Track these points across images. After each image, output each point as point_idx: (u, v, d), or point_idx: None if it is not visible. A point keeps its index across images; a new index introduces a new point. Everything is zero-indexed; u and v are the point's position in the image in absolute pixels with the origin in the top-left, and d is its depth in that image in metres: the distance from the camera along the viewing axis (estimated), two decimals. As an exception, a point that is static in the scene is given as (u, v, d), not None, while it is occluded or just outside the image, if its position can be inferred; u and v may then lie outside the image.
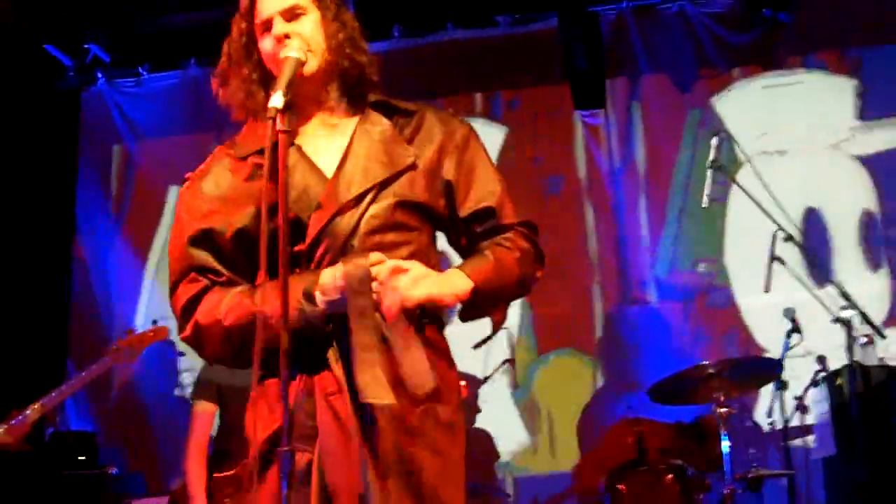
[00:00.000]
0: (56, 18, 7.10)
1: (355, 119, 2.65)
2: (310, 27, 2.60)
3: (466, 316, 2.62)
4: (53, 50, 7.78)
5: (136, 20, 7.35)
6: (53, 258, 7.78)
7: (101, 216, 8.00)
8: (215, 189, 2.61)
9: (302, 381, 2.47)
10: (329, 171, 2.54)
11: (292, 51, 2.50)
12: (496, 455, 6.78)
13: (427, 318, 2.54)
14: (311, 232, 2.47)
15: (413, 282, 2.39)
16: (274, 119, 2.31)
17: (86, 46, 7.87)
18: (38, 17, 7.01)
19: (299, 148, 2.57)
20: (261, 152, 2.46)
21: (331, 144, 2.60)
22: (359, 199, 2.50)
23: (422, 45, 7.33)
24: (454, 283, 2.50)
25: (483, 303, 2.57)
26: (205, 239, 2.56)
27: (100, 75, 8.01)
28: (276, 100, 2.33)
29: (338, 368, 2.43)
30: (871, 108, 6.93)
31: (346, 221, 2.48)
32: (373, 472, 2.37)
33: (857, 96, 6.97)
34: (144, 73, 7.96)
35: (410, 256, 2.51)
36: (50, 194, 7.77)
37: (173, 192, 7.53)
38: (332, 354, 2.45)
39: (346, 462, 2.39)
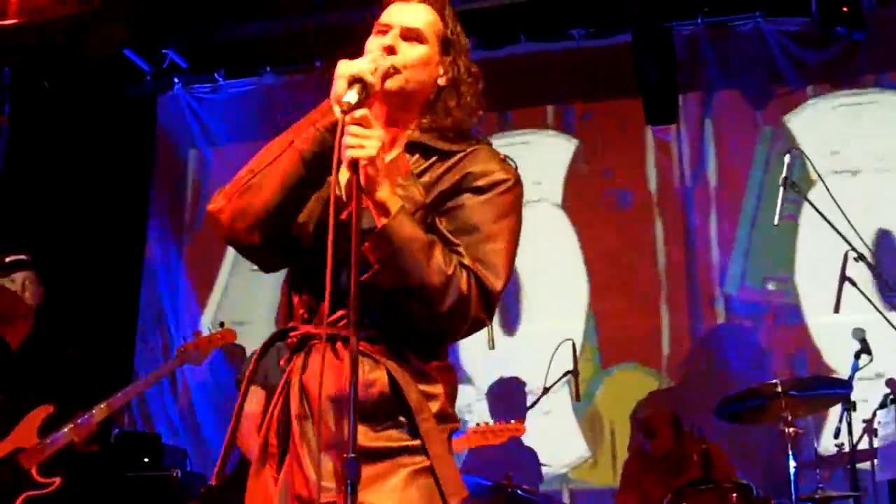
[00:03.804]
0: (134, 24, 7.22)
1: (396, 151, 2.56)
2: (416, 55, 2.54)
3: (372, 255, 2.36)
4: (132, 55, 7.93)
5: (214, 27, 7.46)
6: (126, 260, 7.94)
7: (174, 219, 8.14)
8: None
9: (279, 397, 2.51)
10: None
11: (384, 59, 2.46)
12: (553, 466, 6.80)
13: (415, 348, 2.46)
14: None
15: (365, 141, 2.28)
16: (344, 112, 2.28)
17: (163, 52, 8.02)
18: (117, 22, 7.14)
19: None
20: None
21: None
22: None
23: (496, 58, 7.37)
24: (388, 190, 2.34)
25: (381, 252, 2.32)
26: None
27: (176, 80, 8.16)
28: (351, 95, 2.30)
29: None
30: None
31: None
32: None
33: (930, 117, 6.89)
34: (220, 79, 8.10)
35: None
36: (125, 197, 7.92)
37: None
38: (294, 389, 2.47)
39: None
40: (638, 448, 6.42)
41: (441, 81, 2.60)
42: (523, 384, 6.93)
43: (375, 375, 2.39)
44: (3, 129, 7.72)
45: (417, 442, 2.39)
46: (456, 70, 2.61)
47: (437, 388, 2.48)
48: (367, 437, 2.29)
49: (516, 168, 2.59)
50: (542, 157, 7.49)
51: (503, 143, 7.12)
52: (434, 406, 2.44)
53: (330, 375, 2.35)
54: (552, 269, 7.25)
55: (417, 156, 2.54)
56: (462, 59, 2.64)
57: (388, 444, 2.38)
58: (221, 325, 5.74)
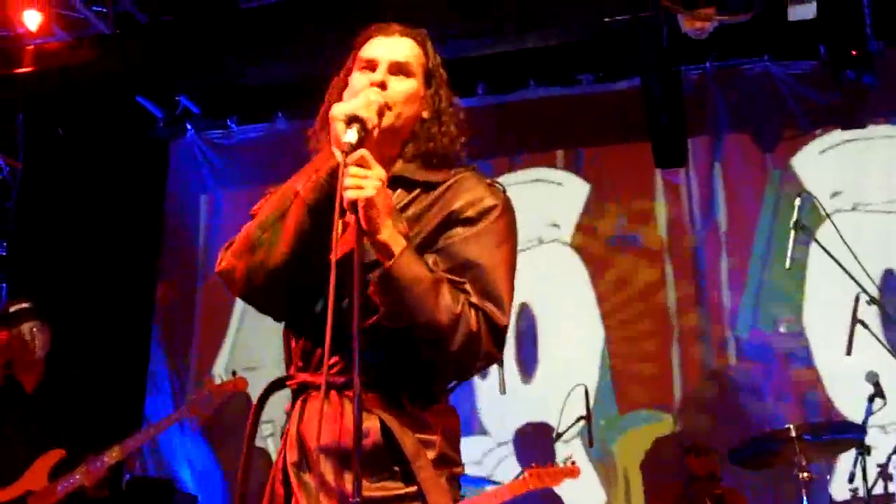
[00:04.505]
0: (148, 71, 7.29)
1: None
2: (405, 90, 2.53)
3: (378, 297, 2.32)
4: (145, 101, 8.00)
5: (227, 74, 7.52)
6: (138, 305, 7.94)
7: (186, 264, 8.16)
8: None
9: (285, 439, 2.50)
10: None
11: (377, 96, 2.43)
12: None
13: (411, 394, 2.44)
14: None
15: (364, 181, 2.26)
16: (345, 153, 2.25)
17: (176, 98, 8.09)
18: (131, 68, 7.21)
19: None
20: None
21: None
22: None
23: (505, 103, 7.41)
24: (391, 230, 2.30)
25: (387, 294, 2.29)
26: None
27: (189, 126, 8.21)
28: (351, 135, 2.28)
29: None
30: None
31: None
32: None
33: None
34: (233, 125, 8.15)
35: None
36: (136, 242, 7.95)
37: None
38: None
39: None
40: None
41: (425, 114, 2.59)
42: (548, 428, 6.84)
43: (368, 425, 2.36)
44: (17, 175, 7.78)
45: (414, 489, 2.36)
46: (438, 101, 2.61)
47: (435, 434, 2.44)
48: (363, 486, 2.23)
49: (504, 191, 2.56)
50: (553, 197, 7.51)
51: (513, 182, 7.19)
52: (431, 453, 2.41)
53: (325, 425, 2.33)
54: (566, 310, 7.25)
55: (400, 190, 2.51)
56: (443, 90, 2.63)
57: (383, 494, 2.36)
58: (234, 373, 5.73)
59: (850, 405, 6.33)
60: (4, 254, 7.71)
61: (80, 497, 5.23)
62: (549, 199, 7.50)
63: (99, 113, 7.73)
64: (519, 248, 2.55)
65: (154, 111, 8.12)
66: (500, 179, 2.65)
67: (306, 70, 7.11)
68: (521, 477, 5.76)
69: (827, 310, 6.52)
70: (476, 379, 7.00)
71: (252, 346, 7.78)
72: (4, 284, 7.61)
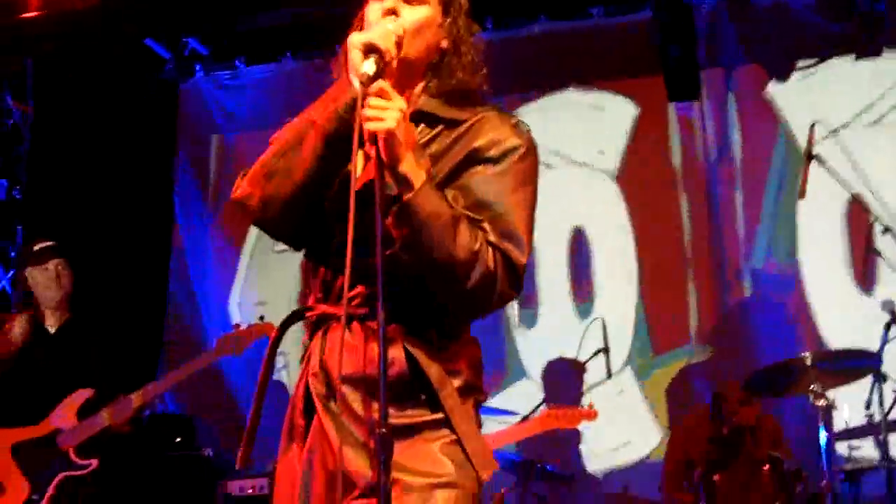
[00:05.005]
0: (155, 12, 7.26)
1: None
2: (419, 18, 2.46)
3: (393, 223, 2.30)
4: (152, 43, 7.97)
5: (234, 14, 7.48)
6: (153, 247, 7.99)
7: (198, 205, 8.19)
8: None
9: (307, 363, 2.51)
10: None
11: (394, 25, 2.38)
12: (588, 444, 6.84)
13: (435, 325, 2.44)
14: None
15: (384, 113, 2.24)
16: (363, 84, 2.21)
17: (184, 40, 8.06)
18: (138, 10, 7.18)
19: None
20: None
21: None
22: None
23: (515, 37, 7.36)
24: (411, 163, 2.28)
25: (405, 227, 2.27)
26: None
27: (198, 67, 8.19)
28: (368, 66, 2.24)
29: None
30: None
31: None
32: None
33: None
34: (241, 65, 8.11)
35: None
36: (149, 184, 7.97)
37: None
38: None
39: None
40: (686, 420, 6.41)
41: (444, 44, 2.53)
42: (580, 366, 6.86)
43: (393, 354, 2.36)
44: (28, 119, 7.78)
45: (440, 415, 2.38)
46: (456, 30, 2.54)
47: (460, 363, 2.46)
48: (389, 415, 2.22)
49: (529, 131, 2.52)
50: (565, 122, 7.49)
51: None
52: (457, 381, 2.43)
53: (348, 355, 2.34)
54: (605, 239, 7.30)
55: (423, 125, 2.48)
56: (462, 18, 2.56)
57: (411, 421, 2.37)
58: (261, 318, 5.75)
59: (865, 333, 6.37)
60: (20, 198, 7.73)
61: (106, 435, 5.31)
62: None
63: (107, 56, 7.69)
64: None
65: (162, 53, 8.08)
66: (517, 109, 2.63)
67: (314, 10, 7.10)
68: (537, 416, 5.79)
69: (841, 241, 6.55)
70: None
71: (262, 282, 7.84)
72: (20, 227, 7.63)
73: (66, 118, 7.70)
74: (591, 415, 5.75)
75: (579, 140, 7.36)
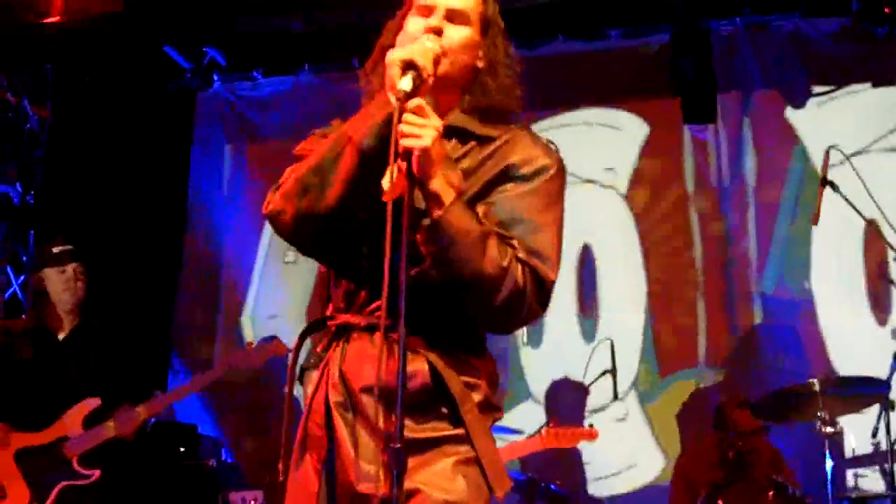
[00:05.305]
0: (175, 21, 7.30)
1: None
2: (462, 38, 2.50)
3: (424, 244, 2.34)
4: (172, 52, 8.01)
5: (254, 25, 7.51)
6: (165, 255, 7.99)
7: (213, 216, 8.20)
8: None
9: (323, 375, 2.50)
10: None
11: (433, 43, 2.40)
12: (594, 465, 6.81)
13: (456, 339, 2.46)
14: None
15: (421, 130, 2.26)
16: (400, 100, 2.23)
17: (203, 49, 8.10)
18: (158, 19, 7.22)
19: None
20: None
21: None
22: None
23: (532, 57, 7.36)
24: (442, 180, 2.30)
25: (435, 244, 2.31)
26: None
27: (216, 77, 8.22)
28: (405, 83, 2.26)
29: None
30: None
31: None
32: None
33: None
34: (259, 76, 8.14)
35: None
36: (163, 193, 7.98)
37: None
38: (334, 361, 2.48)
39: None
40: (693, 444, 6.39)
41: (480, 64, 2.56)
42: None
43: (416, 367, 2.37)
44: (46, 125, 7.83)
45: (461, 431, 2.39)
46: (494, 51, 2.58)
47: (480, 379, 2.47)
48: (409, 428, 2.25)
49: (558, 152, 2.57)
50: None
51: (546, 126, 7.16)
52: (477, 396, 2.44)
53: (369, 366, 2.35)
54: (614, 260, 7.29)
55: (455, 141, 2.51)
56: (500, 40, 2.60)
57: (432, 435, 2.38)
58: (273, 338, 5.73)
59: (875, 362, 6.33)
60: (32, 202, 7.76)
61: (109, 445, 5.27)
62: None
63: (127, 63, 7.74)
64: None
65: (181, 62, 8.12)
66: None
67: (332, 22, 7.13)
68: (537, 434, 5.77)
69: (854, 268, 6.51)
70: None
71: (272, 295, 7.84)
72: (32, 232, 7.65)
73: (83, 124, 7.75)
74: (593, 435, 5.73)
75: (590, 158, 7.36)
